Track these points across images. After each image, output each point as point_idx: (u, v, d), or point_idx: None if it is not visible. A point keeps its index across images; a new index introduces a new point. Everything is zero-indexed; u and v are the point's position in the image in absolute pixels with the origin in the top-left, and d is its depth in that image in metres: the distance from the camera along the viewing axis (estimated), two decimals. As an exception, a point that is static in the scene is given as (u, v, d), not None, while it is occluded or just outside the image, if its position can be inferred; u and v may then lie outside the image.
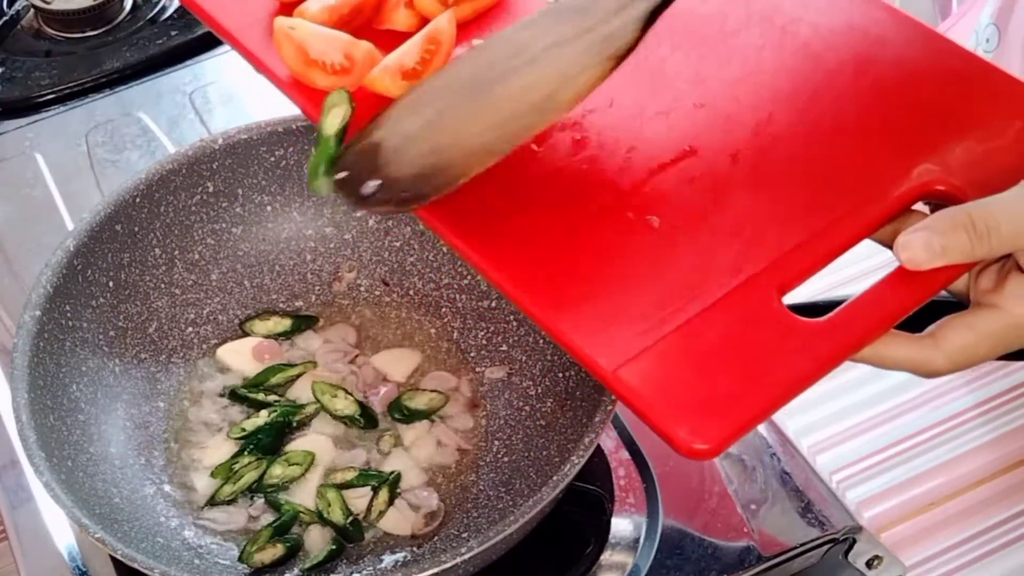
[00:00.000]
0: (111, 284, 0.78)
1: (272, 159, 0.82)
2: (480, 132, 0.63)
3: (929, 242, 0.59)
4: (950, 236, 0.59)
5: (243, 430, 0.77)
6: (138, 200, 0.79)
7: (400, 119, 0.64)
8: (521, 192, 0.64)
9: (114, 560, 0.71)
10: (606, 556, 0.73)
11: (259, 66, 0.68)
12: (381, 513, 0.75)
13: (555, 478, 0.66)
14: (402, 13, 0.67)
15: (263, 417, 0.78)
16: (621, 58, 0.63)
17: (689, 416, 0.53)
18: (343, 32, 0.66)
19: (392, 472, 0.76)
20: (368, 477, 0.76)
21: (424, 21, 0.67)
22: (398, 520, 0.74)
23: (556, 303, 0.58)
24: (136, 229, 0.79)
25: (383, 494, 0.75)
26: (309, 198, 0.84)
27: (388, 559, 0.73)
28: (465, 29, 0.68)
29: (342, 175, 0.63)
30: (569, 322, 0.57)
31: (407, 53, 0.64)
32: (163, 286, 0.81)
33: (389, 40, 0.66)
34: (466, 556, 0.63)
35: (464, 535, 0.73)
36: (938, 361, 0.60)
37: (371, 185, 0.63)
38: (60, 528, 0.76)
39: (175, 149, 0.97)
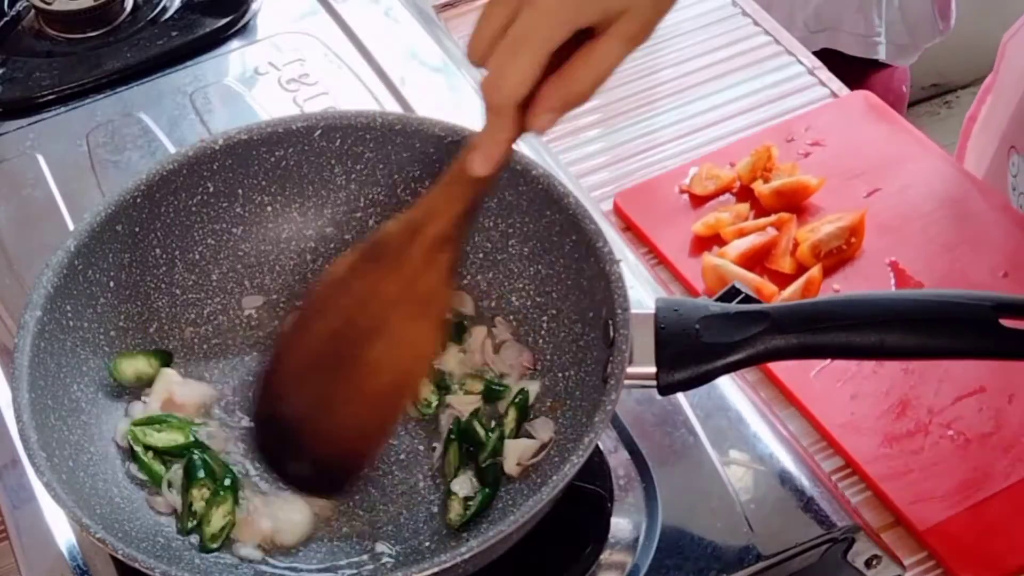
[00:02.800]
0: (112, 284, 0.78)
1: (272, 159, 0.82)
2: (357, 408, 0.73)
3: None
4: None
5: None
6: (139, 200, 0.79)
7: (293, 394, 0.75)
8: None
9: (115, 560, 0.72)
10: (605, 556, 0.73)
11: (680, 277, 1.00)
12: (512, 431, 0.76)
13: (555, 478, 0.66)
14: (787, 260, 1.00)
15: None
16: (442, 322, 0.73)
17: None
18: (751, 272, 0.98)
19: (521, 389, 0.78)
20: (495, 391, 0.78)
21: (802, 267, 0.99)
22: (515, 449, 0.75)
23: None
24: (137, 229, 0.79)
25: (512, 413, 0.76)
26: (309, 198, 0.84)
27: (386, 558, 0.73)
28: (829, 273, 1.01)
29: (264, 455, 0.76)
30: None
31: (793, 292, 0.97)
32: (164, 286, 0.81)
33: (776, 278, 0.99)
34: (466, 556, 0.63)
35: (464, 535, 0.73)
36: None
37: (298, 467, 0.75)
38: (61, 528, 0.76)
39: (175, 149, 0.97)
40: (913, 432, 0.91)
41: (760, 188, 1.07)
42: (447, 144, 0.81)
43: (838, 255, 1.03)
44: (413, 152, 0.82)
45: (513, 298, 0.82)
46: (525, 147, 0.92)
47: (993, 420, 0.92)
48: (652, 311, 0.73)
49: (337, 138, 0.82)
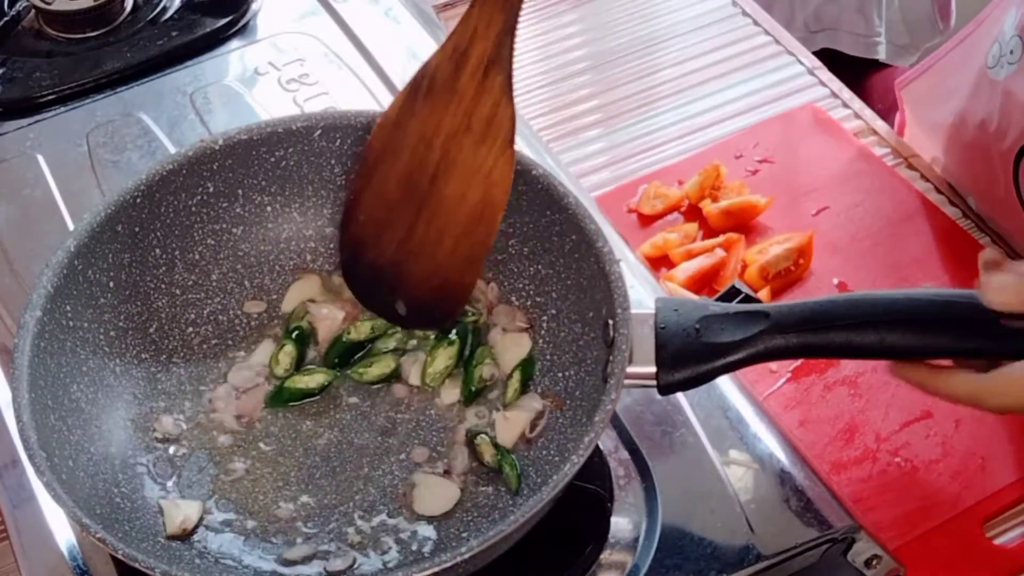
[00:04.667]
0: (111, 284, 0.78)
1: (272, 160, 0.82)
2: (448, 243, 0.76)
3: (1019, 288, 0.62)
4: None
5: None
6: (139, 200, 0.79)
7: (379, 238, 0.78)
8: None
9: (115, 560, 0.72)
10: (605, 556, 0.73)
11: None
12: (516, 391, 0.78)
13: (555, 478, 0.66)
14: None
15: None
16: (512, 139, 0.72)
17: None
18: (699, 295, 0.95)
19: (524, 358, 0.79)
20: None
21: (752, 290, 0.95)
22: (512, 424, 0.76)
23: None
24: (137, 229, 0.79)
25: (516, 377, 0.78)
26: (309, 198, 0.84)
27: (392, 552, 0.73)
28: (777, 295, 1.03)
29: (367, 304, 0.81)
30: None
31: None
32: (163, 286, 0.81)
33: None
34: (466, 556, 0.63)
35: (464, 535, 0.73)
36: (994, 398, 0.65)
37: (401, 307, 0.79)
38: (61, 527, 0.76)
39: (176, 149, 0.97)
40: (861, 459, 0.92)
41: (708, 208, 1.07)
42: None
43: (786, 276, 1.03)
44: None
45: (513, 298, 0.82)
46: (525, 147, 0.92)
47: (940, 446, 0.93)
48: (652, 311, 0.73)
49: (337, 138, 0.82)
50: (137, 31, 1.09)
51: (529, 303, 0.82)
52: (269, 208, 0.84)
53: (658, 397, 0.74)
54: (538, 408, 0.78)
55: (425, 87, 0.73)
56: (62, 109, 1.04)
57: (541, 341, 0.81)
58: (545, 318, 0.81)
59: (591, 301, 0.76)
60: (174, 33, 1.08)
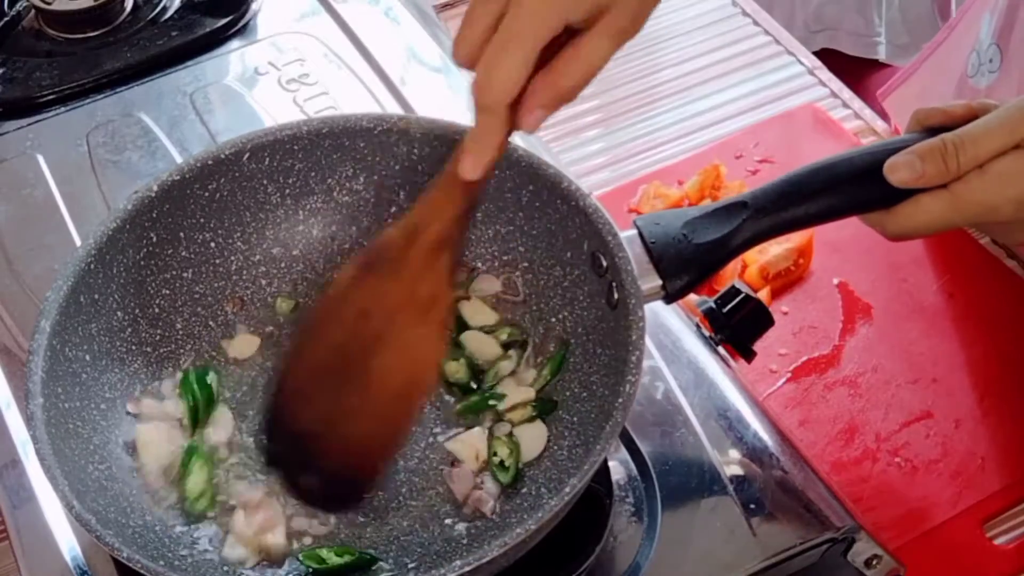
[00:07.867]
0: (88, 358, 0.76)
1: (206, 194, 0.81)
2: (369, 417, 0.72)
3: (912, 164, 0.71)
4: (928, 159, 0.70)
5: None
6: (92, 266, 0.76)
7: (305, 408, 0.73)
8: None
9: (115, 560, 0.72)
10: (605, 555, 0.73)
11: None
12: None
13: (620, 402, 0.67)
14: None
15: None
16: (449, 324, 0.72)
17: None
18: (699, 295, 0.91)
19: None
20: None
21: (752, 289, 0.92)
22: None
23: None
24: (96, 297, 0.77)
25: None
26: (249, 224, 0.83)
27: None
28: (778, 295, 1.04)
29: (277, 469, 0.74)
30: None
31: None
32: (134, 347, 0.79)
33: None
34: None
35: (471, 541, 0.73)
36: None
37: (310, 480, 0.73)
38: (61, 527, 0.76)
39: (176, 150, 0.98)
40: (861, 459, 0.92)
41: None
42: (376, 135, 0.81)
43: (786, 276, 1.04)
44: (343, 152, 0.82)
45: (479, 264, 0.82)
46: (524, 146, 0.92)
47: (940, 446, 0.93)
48: (635, 231, 0.74)
49: (265, 157, 0.81)
50: (137, 31, 1.09)
51: (496, 263, 0.81)
52: (213, 244, 0.82)
53: (658, 397, 0.74)
54: (497, 288, 0.79)
55: (375, 260, 0.71)
56: (62, 109, 1.04)
57: (523, 296, 0.81)
58: (518, 273, 0.81)
59: (565, 243, 0.77)
60: (174, 33, 1.08)
